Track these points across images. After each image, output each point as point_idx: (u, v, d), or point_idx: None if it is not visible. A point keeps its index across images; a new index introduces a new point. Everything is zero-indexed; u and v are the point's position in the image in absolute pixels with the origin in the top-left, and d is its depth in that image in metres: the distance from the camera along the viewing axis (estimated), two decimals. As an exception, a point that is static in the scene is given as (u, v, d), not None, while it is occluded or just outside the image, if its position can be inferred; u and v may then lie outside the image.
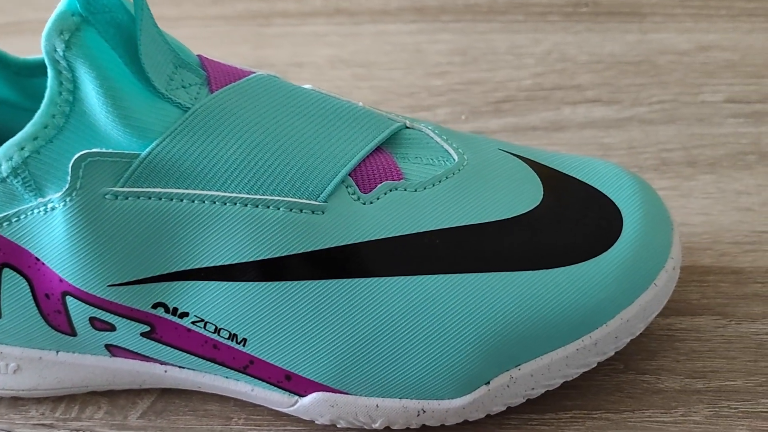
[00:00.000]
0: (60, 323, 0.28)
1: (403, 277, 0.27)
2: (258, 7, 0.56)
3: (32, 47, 0.31)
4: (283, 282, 0.26)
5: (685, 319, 0.32)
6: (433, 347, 0.27)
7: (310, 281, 0.26)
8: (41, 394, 0.31)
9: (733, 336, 0.31)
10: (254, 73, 0.29)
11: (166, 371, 0.29)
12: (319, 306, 0.27)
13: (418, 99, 0.46)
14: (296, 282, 0.26)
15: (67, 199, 0.26)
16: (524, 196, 0.28)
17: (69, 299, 0.28)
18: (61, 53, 0.25)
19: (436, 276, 0.27)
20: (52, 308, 0.28)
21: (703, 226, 0.36)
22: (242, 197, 0.26)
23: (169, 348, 0.28)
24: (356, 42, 0.51)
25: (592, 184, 0.30)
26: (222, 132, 0.27)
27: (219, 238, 0.26)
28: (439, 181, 0.28)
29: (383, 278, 0.27)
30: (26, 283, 0.28)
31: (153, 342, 0.28)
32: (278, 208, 0.26)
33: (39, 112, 0.26)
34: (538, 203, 0.28)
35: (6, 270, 0.28)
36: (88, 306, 0.28)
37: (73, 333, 0.29)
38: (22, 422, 0.30)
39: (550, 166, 0.30)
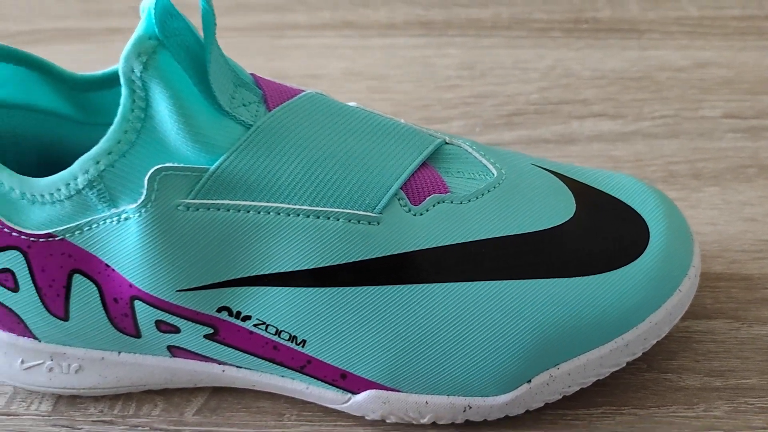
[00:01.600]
0: (126, 326, 0.30)
1: (452, 283, 0.29)
2: (269, 19, 0.58)
3: (47, 56, 0.32)
4: (342, 288, 0.28)
5: (701, 322, 0.34)
6: (480, 349, 0.29)
7: (366, 287, 0.28)
8: (100, 393, 0.32)
9: (746, 338, 0.34)
10: (304, 91, 0.31)
11: (224, 371, 0.31)
12: (375, 310, 0.29)
13: (432, 111, 0.48)
14: (353, 288, 0.28)
15: (142, 210, 0.27)
16: (559, 208, 0.31)
17: (137, 303, 0.29)
18: (138, 74, 0.27)
19: (482, 282, 0.29)
20: (119, 312, 0.30)
21: (711, 235, 0.38)
22: (305, 209, 0.28)
23: (229, 349, 0.30)
24: (367, 55, 0.54)
25: (619, 198, 0.32)
26: (283, 148, 0.29)
27: (283, 247, 0.28)
28: (482, 194, 0.30)
29: (434, 284, 0.29)
30: (95, 288, 0.29)
31: (215, 343, 0.30)
32: (338, 219, 0.28)
33: (112, 128, 0.27)
34: (571, 215, 0.31)
35: (76, 276, 0.29)
36: (155, 310, 0.29)
37: (137, 335, 0.30)
38: (82, 419, 0.32)
39: (579, 180, 0.32)
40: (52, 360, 0.32)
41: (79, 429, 0.32)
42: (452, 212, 0.30)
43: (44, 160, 0.34)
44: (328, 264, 0.28)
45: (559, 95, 0.48)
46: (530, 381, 0.29)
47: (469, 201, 0.30)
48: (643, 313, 0.30)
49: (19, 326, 0.31)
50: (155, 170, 0.27)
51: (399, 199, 0.29)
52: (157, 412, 0.32)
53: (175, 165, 0.27)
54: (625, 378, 0.32)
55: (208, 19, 0.28)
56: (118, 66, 0.27)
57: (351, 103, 0.32)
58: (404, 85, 0.50)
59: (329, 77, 0.51)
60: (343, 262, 0.28)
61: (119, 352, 0.31)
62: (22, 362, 0.32)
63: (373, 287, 0.28)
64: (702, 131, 0.45)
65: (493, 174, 0.31)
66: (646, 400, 0.31)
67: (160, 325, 0.30)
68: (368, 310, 0.29)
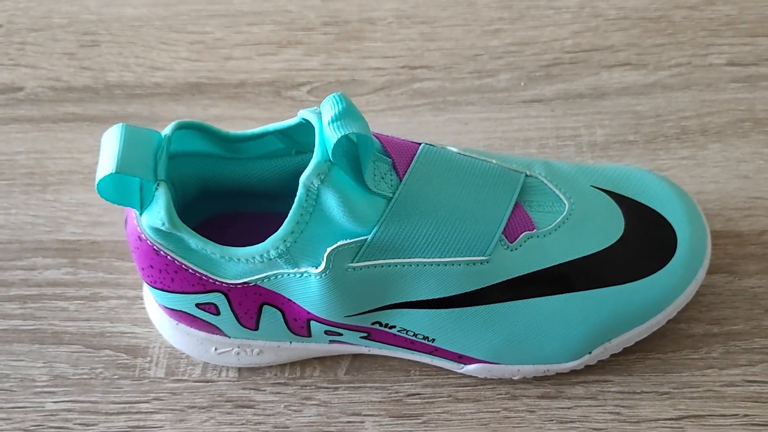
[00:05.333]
0: (301, 333, 0.41)
1: (539, 298, 0.40)
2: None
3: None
4: (461, 308, 0.40)
5: (705, 277, 0.46)
6: (557, 338, 0.41)
7: (478, 306, 0.40)
8: (273, 364, 0.44)
9: (737, 290, 0.46)
10: (417, 145, 0.40)
11: (369, 350, 0.43)
12: (485, 320, 0.40)
13: (481, 63, 0.55)
14: (469, 308, 0.40)
15: (322, 275, 0.37)
16: (613, 227, 0.41)
17: (312, 322, 0.40)
18: (315, 186, 0.35)
19: (560, 296, 0.40)
20: (297, 326, 0.41)
21: (714, 194, 0.49)
22: (435, 261, 0.38)
23: (378, 342, 0.42)
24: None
25: (654, 208, 0.42)
26: (416, 214, 0.38)
27: (420, 285, 0.39)
28: (559, 227, 0.40)
29: (526, 300, 0.40)
30: (280, 313, 0.40)
31: (367, 340, 0.42)
32: (459, 265, 0.39)
33: (291, 213, 0.37)
34: (621, 233, 0.41)
35: (266, 306, 0.40)
36: (326, 325, 0.40)
37: (309, 336, 0.42)
38: (263, 382, 0.44)
39: (625, 194, 0.42)
40: (239, 348, 0.43)
41: (263, 390, 0.44)
42: (538, 245, 0.40)
43: (205, 191, 0.43)
44: (451, 294, 0.39)
45: (589, 41, 0.56)
46: (591, 352, 0.42)
47: (550, 234, 0.40)
48: (670, 299, 0.42)
49: (216, 331, 0.42)
50: (331, 250, 0.37)
51: (500, 241, 0.39)
52: (317, 373, 0.44)
53: (344, 243, 0.37)
54: (651, 330, 0.45)
55: (367, 144, 0.36)
56: (302, 178, 0.35)
57: (452, 149, 0.41)
58: (453, 31, 0.57)
59: (384, 22, 0.58)
60: (462, 292, 0.39)
61: (291, 342, 0.43)
62: (216, 349, 0.43)
63: (483, 306, 0.40)
64: (709, 81, 0.54)
65: (565, 205, 0.41)
66: (666, 347, 0.44)
67: (327, 332, 0.41)
68: (480, 320, 0.40)
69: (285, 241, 0.37)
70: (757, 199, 0.49)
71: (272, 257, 0.37)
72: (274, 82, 0.56)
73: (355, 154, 0.37)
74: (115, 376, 0.44)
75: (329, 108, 0.35)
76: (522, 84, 0.55)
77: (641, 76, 0.54)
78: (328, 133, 0.35)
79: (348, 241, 0.37)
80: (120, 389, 0.44)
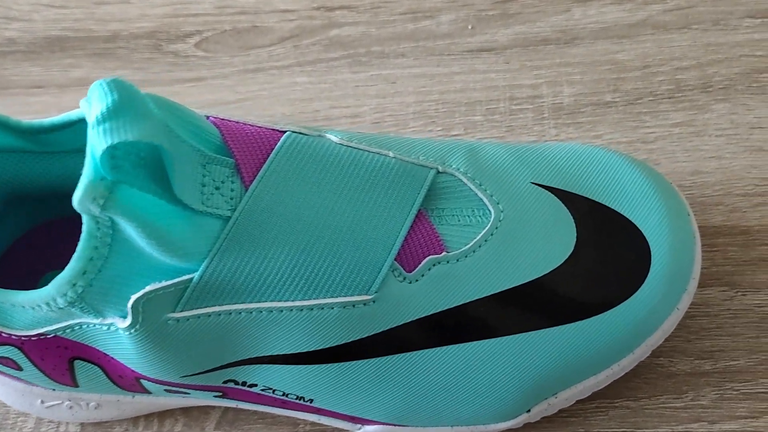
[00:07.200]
0: (136, 390, 0.31)
1: (449, 346, 0.29)
2: None
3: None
4: (341, 363, 0.29)
5: (696, 291, 0.34)
6: (481, 395, 0.30)
7: (364, 360, 0.29)
8: (118, 418, 0.34)
9: (738, 309, 0.34)
10: (278, 135, 0.28)
11: (237, 405, 0.33)
12: (377, 377, 0.29)
13: (419, 1, 0.43)
14: (352, 362, 0.29)
15: (132, 330, 0.27)
16: (559, 242, 0.30)
17: (143, 381, 0.30)
18: (97, 212, 0.24)
19: (479, 342, 0.29)
20: (127, 383, 0.30)
21: (715, 174, 0.37)
22: (296, 305, 0.27)
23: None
24: None
25: (622, 212, 0.30)
26: (266, 239, 0.27)
27: (279, 337, 0.28)
28: (479, 246, 0.29)
29: (431, 350, 0.29)
30: (99, 369, 0.30)
31: (225, 398, 0.31)
32: (332, 308, 0.28)
33: (79, 246, 0.26)
34: (572, 250, 0.30)
35: (77, 361, 0.29)
36: (163, 385, 0.30)
37: (148, 393, 0.31)
38: (110, 439, 0.34)
39: (580, 193, 0.31)
40: (70, 401, 0.33)
41: (111, 449, 0.34)
42: (448, 274, 0.29)
43: (12, 196, 0.32)
44: (325, 347, 0.28)
45: (559, -34, 0.43)
46: (529, 410, 0.31)
47: (466, 257, 0.29)
48: (639, 340, 0.30)
49: (34, 385, 0.32)
50: (137, 298, 0.26)
51: (393, 270, 0.28)
52: (179, 427, 0.34)
53: (156, 286, 0.26)
54: (619, 369, 0.33)
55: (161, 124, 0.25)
56: (74, 202, 0.24)
57: (330, 135, 0.29)
58: (385, -42, 0.44)
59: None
60: (341, 343, 0.28)
61: (133, 395, 0.33)
62: (42, 402, 0.33)
63: (372, 359, 0.29)
64: (716, 17, 0.40)
65: (490, 213, 0.29)
66: (638, 390, 0.33)
67: (169, 390, 0.30)
68: (370, 377, 0.29)
69: (74, 285, 0.26)
70: (773, 181, 0.37)
71: (62, 306, 0.27)
72: (154, 32, 0.44)
73: (157, 160, 0.25)
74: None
75: (96, 101, 0.24)
76: (469, 27, 0.42)
77: (625, 12, 0.41)
78: (94, 140, 0.23)
79: (164, 283, 0.26)
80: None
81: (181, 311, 0.27)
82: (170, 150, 0.25)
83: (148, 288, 0.26)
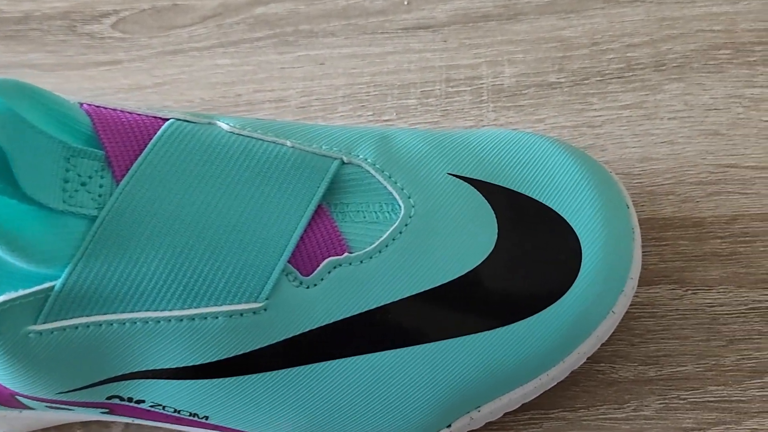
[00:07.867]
0: (15, 406, 0.28)
1: (356, 357, 0.26)
2: None
3: None
4: (232, 377, 0.26)
5: (641, 290, 0.31)
6: (393, 412, 0.27)
7: (258, 374, 0.26)
8: (14, 433, 0.31)
9: (687, 310, 0.31)
10: (159, 123, 0.25)
11: (133, 421, 0.30)
12: (277, 392, 0.26)
13: (351, -26, 0.39)
14: (245, 376, 0.26)
15: (-11, 345, 0.24)
16: (478, 240, 0.26)
17: (21, 398, 0.27)
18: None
19: (389, 352, 0.26)
20: (4, 399, 0.27)
21: (666, 161, 0.34)
22: (175, 314, 0.24)
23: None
24: None
25: (551, 205, 0.27)
26: (139, 241, 0.24)
27: (158, 351, 0.25)
28: (386, 246, 0.26)
29: (336, 361, 0.26)
30: (-32, 385, 0.27)
31: (113, 415, 0.28)
32: (216, 318, 0.25)
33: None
34: (492, 248, 0.26)
35: (-57, 377, 0.27)
36: (42, 402, 0.27)
37: (29, 408, 0.28)
38: (2, 457, 0.32)
39: (503, 184, 0.27)
40: (-47, 416, 0.30)
41: (3, 467, 0.31)
42: (351, 277, 0.26)
43: None
44: (212, 360, 0.25)
45: (504, -64, 0.39)
46: (450, 426, 0.28)
47: (371, 258, 0.26)
48: (570, 347, 0.27)
49: None
50: (-12, 310, 0.23)
51: (287, 274, 0.25)
52: (78, 442, 0.31)
53: (11, 296, 0.23)
54: (555, 376, 0.31)
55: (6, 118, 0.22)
56: None
57: (221, 123, 0.26)
58: (316, -71, 0.41)
59: None
60: (231, 356, 0.25)
61: (21, 411, 0.30)
62: (-77, 417, 0.30)
63: (269, 373, 0.26)
64: (673, -12, 0.37)
65: (400, 208, 0.26)
66: (576, 400, 0.30)
67: (51, 407, 0.28)
68: (267, 392, 0.26)
69: None
70: (729, 167, 0.33)
71: None
72: (68, 13, 0.40)
73: (2, 156, 0.22)
74: None
75: None
76: (405, 3, 0.39)
77: (574, -16, 0.38)
78: None
79: (21, 292, 0.23)
80: None
81: (44, 323, 0.24)
82: (13, 143, 0.22)
83: (1, 298, 0.23)
